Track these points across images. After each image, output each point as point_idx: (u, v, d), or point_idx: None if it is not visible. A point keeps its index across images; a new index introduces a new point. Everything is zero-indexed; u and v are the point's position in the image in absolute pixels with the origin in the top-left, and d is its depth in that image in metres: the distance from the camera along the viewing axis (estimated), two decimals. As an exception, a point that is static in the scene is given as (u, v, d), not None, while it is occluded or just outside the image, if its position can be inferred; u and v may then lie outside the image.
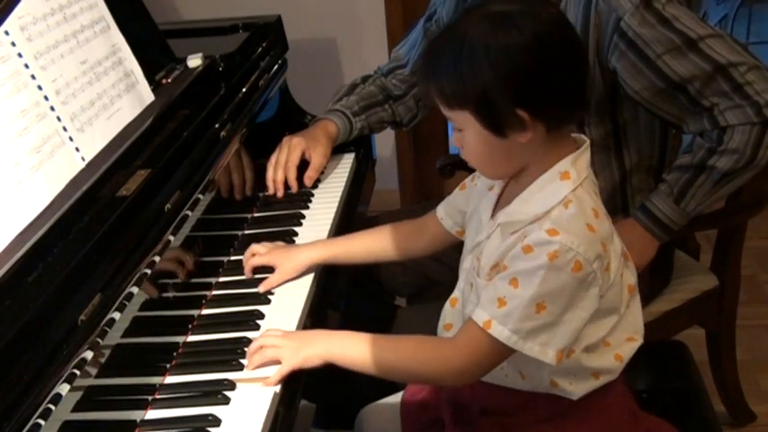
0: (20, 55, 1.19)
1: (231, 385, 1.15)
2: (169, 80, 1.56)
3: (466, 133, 1.11)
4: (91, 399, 1.05)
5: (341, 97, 1.82)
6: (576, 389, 1.18)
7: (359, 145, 1.87)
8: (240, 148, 1.61)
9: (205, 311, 1.35)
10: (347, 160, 1.83)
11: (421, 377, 1.24)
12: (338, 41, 2.97)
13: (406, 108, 1.86)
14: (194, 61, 1.61)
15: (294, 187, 1.66)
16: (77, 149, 1.24)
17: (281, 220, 1.61)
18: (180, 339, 1.27)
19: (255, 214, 1.65)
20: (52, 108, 1.22)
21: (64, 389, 0.98)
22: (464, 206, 1.32)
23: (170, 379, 1.19)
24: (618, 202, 1.60)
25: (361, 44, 2.95)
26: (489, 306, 1.09)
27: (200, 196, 1.40)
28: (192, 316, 1.33)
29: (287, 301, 1.35)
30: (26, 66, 1.19)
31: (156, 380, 1.18)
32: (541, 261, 1.05)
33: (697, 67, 1.38)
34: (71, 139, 1.23)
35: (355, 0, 2.90)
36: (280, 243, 1.47)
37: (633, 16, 1.38)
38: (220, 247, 1.50)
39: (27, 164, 1.12)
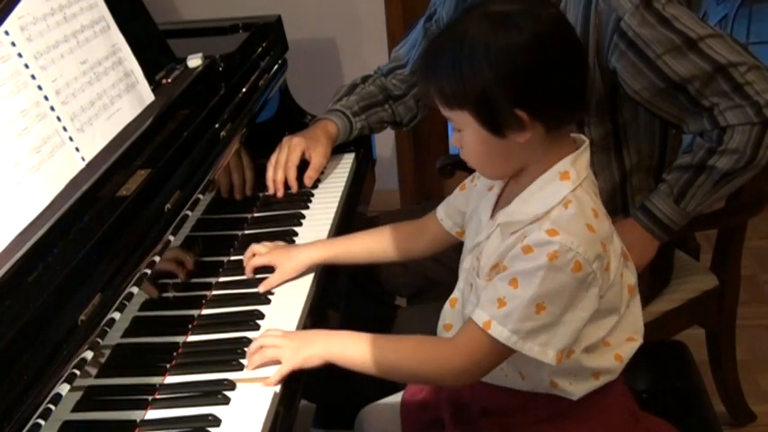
0: (20, 55, 1.19)
1: (231, 385, 1.15)
2: (169, 80, 1.56)
3: (465, 133, 1.11)
4: (91, 399, 1.05)
5: (341, 97, 1.82)
6: (576, 389, 1.18)
7: (359, 145, 1.87)
8: (240, 148, 1.61)
9: (205, 311, 1.35)
10: (347, 160, 1.83)
11: (421, 377, 1.24)
12: (338, 41, 2.97)
13: (406, 108, 1.86)
14: (194, 61, 1.61)
15: (294, 187, 1.66)
16: (77, 149, 1.24)
17: (281, 220, 1.61)
18: (180, 339, 1.27)
19: (255, 214, 1.65)
20: (52, 108, 1.22)
21: (64, 389, 0.98)
22: (464, 207, 1.32)
23: (170, 379, 1.19)
24: (618, 203, 1.60)
25: (361, 44, 2.95)
26: (489, 306, 1.09)
27: (200, 196, 1.40)
28: (192, 316, 1.33)
29: (287, 301, 1.35)
30: (26, 66, 1.19)
31: (156, 380, 1.18)
32: (541, 261, 1.05)
33: (697, 67, 1.38)
34: (71, 139, 1.23)
35: (355, 0, 2.90)
36: (280, 243, 1.47)
37: (633, 16, 1.38)
38: (220, 247, 1.50)
39: (27, 164, 1.12)
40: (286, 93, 1.97)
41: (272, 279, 1.38)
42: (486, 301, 1.10)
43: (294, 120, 1.93)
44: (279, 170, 1.65)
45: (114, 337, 1.11)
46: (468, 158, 1.15)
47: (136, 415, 1.12)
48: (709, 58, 1.38)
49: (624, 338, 1.20)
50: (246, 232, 1.58)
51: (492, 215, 1.19)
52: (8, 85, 1.14)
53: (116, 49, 1.42)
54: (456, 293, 1.27)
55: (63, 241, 1.09)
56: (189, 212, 1.35)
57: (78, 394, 1.03)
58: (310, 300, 1.37)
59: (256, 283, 1.39)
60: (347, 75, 2.93)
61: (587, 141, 1.15)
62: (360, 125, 1.79)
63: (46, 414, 0.94)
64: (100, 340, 1.07)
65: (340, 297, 1.62)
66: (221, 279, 1.44)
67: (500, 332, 1.08)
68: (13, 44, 1.18)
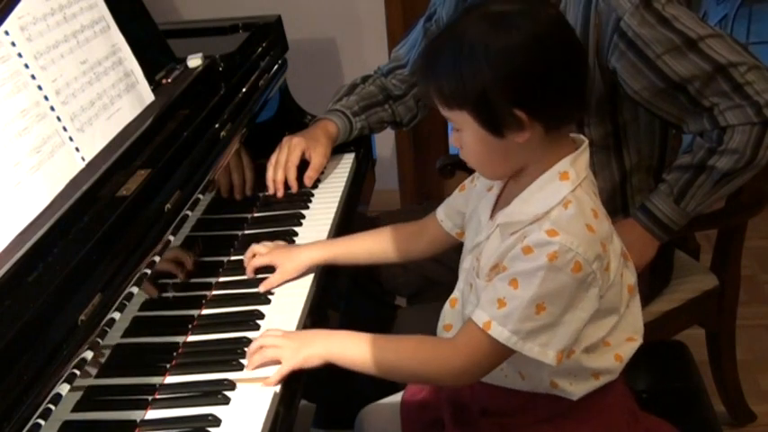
0: (20, 55, 1.19)
1: (231, 385, 1.15)
2: (169, 80, 1.56)
3: (464, 133, 1.11)
4: (91, 399, 1.05)
5: (341, 97, 1.82)
6: (576, 389, 1.18)
7: (359, 145, 1.87)
8: (240, 148, 1.61)
9: (205, 311, 1.35)
10: (347, 160, 1.83)
11: (421, 377, 1.24)
12: (338, 41, 2.97)
13: (406, 108, 1.86)
14: (194, 61, 1.61)
15: (294, 187, 1.66)
16: (77, 149, 1.24)
17: (281, 220, 1.61)
18: (180, 339, 1.27)
19: (255, 214, 1.65)
20: (52, 108, 1.22)
21: (64, 389, 0.98)
22: (463, 207, 1.32)
23: (170, 379, 1.19)
24: (618, 203, 1.60)
25: (361, 44, 2.95)
26: (489, 307, 1.09)
27: (200, 196, 1.40)
28: (192, 316, 1.33)
29: (287, 301, 1.35)
30: (26, 66, 1.19)
31: (156, 380, 1.18)
32: (541, 262, 1.05)
33: (697, 67, 1.38)
34: (71, 139, 1.23)
35: (355, 0, 2.90)
36: (280, 242, 1.47)
37: (633, 16, 1.38)
38: (220, 247, 1.50)
39: (27, 164, 1.12)
40: (286, 93, 1.97)
41: (272, 279, 1.38)
42: (485, 302, 1.10)
43: (294, 120, 1.93)
44: (279, 170, 1.65)
45: (114, 337, 1.11)
46: (468, 158, 1.15)
47: (136, 415, 1.12)
48: (709, 58, 1.38)
49: (624, 338, 1.20)
50: (246, 232, 1.58)
51: (491, 215, 1.19)
52: (8, 85, 1.14)
53: (116, 49, 1.42)
54: (456, 294, 1.27)
55: (63, 241, 1.09)
56: (189, 212, 1.35)
57: (78, 394, 1.03)
58: (310, 300, 1.37)
59: (256, 283, 1.39)
60: (347, 75, 2.93)
61: (586, 141, 1.15)
62: (360, 125, 1.79)
63: (46, 414, 0.94)
64: (100, 340, 1.07)
65: (340, 297, 1.62)
66: (221, 279, 1.44)
67: (500, 333, 1.08)
68: (13, 44, 1.18)
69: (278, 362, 1.17)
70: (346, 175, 1.77)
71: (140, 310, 1.19)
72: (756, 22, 4.13)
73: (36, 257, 1.04)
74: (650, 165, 1.61)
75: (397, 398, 1.40)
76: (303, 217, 1.61)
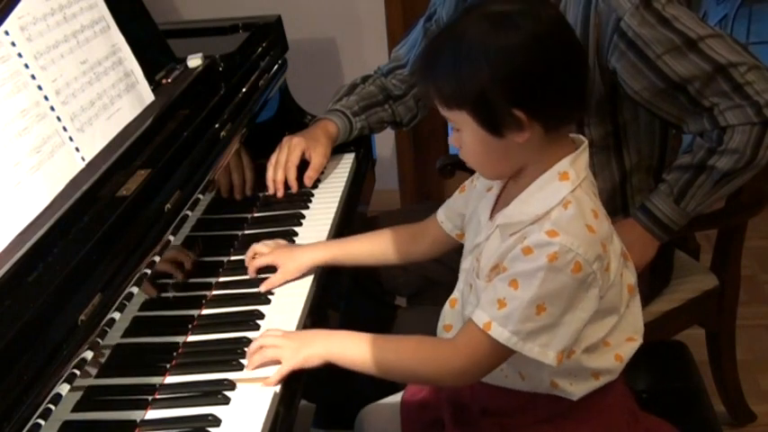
0: (20, 55, 1.19)
1: (231, 385, 1.15)
2: (169, 80, 1.56)
3: (464, 133, 1.11)
4: (91, 399, 1.05)
5: (341, 97, 1.82)
6: (576, 389, 1.18)
7: (359, 145, 1.87)
8: (240, 148, 1.61)
9: (205, 311, 1.35)
10: (347, 160, 1.83)
11: (421, 377, 1.24)
12: (338, 41, 2.97)
13: (406, 108, 1.86)
14: (194, 61, 1.61)
15: (294, 187, 1.66)
16: (77, 149, 1.24)
17: (281, 220, 1.61)
18: (180, 339, 1.27)
19: (255, 214, 1.65)
20: (52, 108, 1.22)
21: (64, 389, 0.98)
22: (463, 209, 1.32)
23: (170, 379, 1.19)
24: (618, 203, 1.60)
25: (361, 44, 2.95)
26: (489, 307, 1.09)
27: (200, 196, 1.40)
28: (192, 316, 1.33)
29: (287, 301, 1.35)
30: (26, 66, 1.19)
31: (156, 380, 1.18)
32: (541, 262, 1.05)
33: (697, 67, 1.38)
34: (71, 139, 1.23)
35: (355, 0, 2.90)
36: (281, 241, 1.47)
37: (633, 16, 1.38)
38: (220, 247, 1.50)
39: (27, 164, 1.12)
40: (286, 93, 1.97)
41: (274, 279, 1.38)
42: (486, 302, 1.10)
43: (294, 120, 1.93)
44: (279, 170, 1.65)
45: (114, 337, 1.11)
46: (467, 158, 1.15)
47: (136, 415, 1.12)
48: (709, 59, 1.38)
49: (624, 338, 1.20)
50: (246, 232, 1.58)
51: (491, 216, 1.19)
52: (8, 85, 1.14)
53: (116, 49, 1.42)
54: (456, 294, 1.27)
55: (63, 241, 1.09)
56: (189, 212, 1.35)
57: (78, 394, 1.03)
58: (310, 300, 1.37)
59: (256, 283, 1.39)
60: (347, 75, 2.93)
61: (586, 142, 1.15)
62: (360, 125, 1.79)
63: (46, 414, 0.94)
64: (100, 340, 1.07)
65: (340, 297, 1.62)
66: (221, 279, 1.44)
67: (500, 333, 1.08)
68: (13, 44, 1.18)
69: (278, 362, 1.17)
70: (346, 175, 1.77)
71: (140, 310, 1.19)
72: (756, 22, 4.13)
73: (36, 257, 1.04)
74: (650, 165, 1.61)
75: (397, 398, 1.40)
76: (303, 217, 1.61)
